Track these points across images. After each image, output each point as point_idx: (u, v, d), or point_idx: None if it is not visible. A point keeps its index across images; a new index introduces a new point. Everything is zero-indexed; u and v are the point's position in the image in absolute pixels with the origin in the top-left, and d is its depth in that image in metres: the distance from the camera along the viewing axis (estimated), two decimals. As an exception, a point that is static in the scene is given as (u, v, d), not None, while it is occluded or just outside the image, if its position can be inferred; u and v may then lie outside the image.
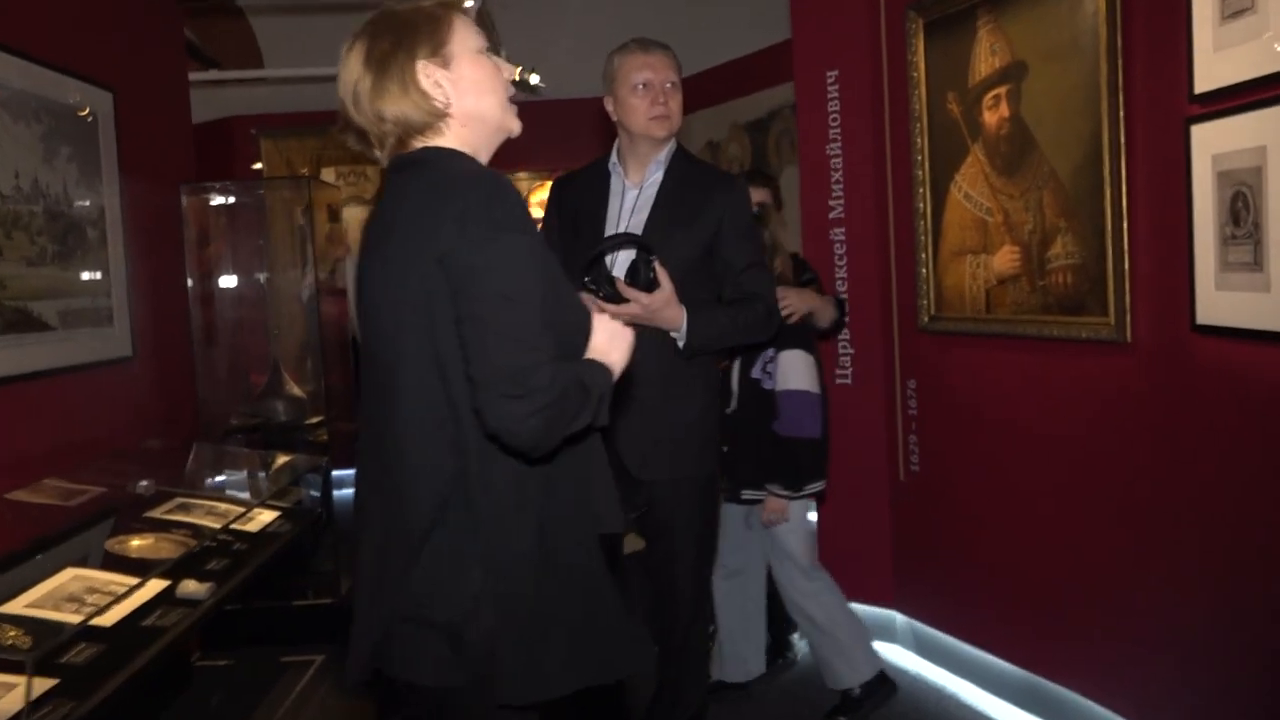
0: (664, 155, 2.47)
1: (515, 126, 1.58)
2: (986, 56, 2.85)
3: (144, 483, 3.30)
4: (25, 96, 2.79)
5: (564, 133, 6.41)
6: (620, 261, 2.33)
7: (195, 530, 2.96)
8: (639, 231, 2.38)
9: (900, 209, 3.30)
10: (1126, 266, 2.46)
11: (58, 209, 2.94)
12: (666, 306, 2.27)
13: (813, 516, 3.14)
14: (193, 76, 5.87)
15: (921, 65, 3.11)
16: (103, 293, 3.20)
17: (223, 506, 3.19)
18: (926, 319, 3.20)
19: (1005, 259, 2.86)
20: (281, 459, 3.78)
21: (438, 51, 1.48)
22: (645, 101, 2.40)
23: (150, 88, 3.64)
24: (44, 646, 1.99)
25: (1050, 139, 2.67)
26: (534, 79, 4.99)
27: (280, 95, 6.15)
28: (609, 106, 2.48)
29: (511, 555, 1.43)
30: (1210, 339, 2.20)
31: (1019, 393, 2.88)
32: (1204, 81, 2.16)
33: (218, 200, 4.42)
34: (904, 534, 3.44)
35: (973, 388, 3.07)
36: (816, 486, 2.94)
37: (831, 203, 3.53)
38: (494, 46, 1.63)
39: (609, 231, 2.43)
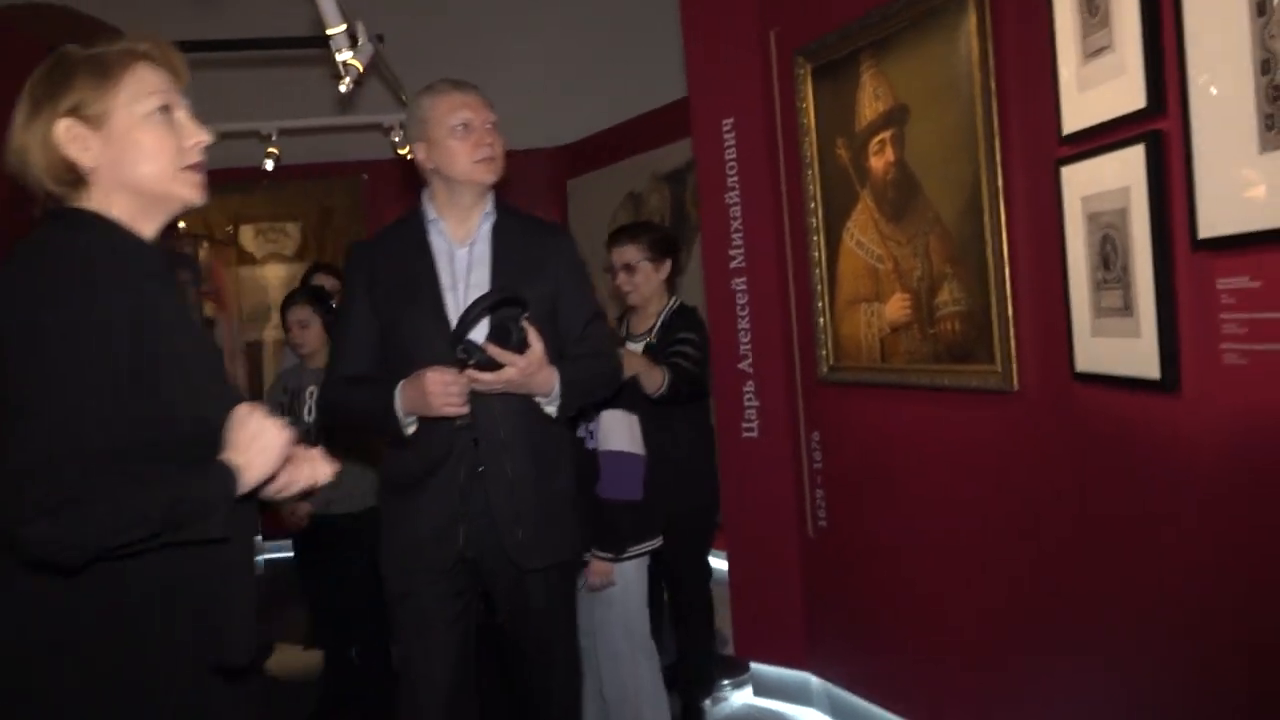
0: (489, 206, 2.27)
1: (188, 196, 1.41)
2: (870, 101, 2.80)
3: None
4: None
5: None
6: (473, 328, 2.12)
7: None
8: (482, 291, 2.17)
9: (798, 258, 3.22)
10: (1010, 313, 2.38)
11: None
12: (541, 368, 2.09)
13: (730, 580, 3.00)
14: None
15: (811, 111, 3.05)
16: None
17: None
18: (826, 369, 3.11)
19: (896, 307, 2.78)
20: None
21: (90, 109, 1.33)
22: (467, 144, 2.18)
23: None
24: None
25: (934, 183, 2.60)
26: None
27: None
28: (420, 154, 2.23)
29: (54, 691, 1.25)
30: (1089, 386, 2.12)
31: (917, 443, 2.78)
32: (1071, 121, 2.10)
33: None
34: (815, 592, 3.32)
35: (874, 439, 2.97)
36: (643, 548, 2.83)
37: (732, 252, 3.45)
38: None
39: (450, 298, 2.20)
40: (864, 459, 3.02)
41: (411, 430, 2.15)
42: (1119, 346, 1.97)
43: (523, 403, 2.15)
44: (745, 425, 3.47)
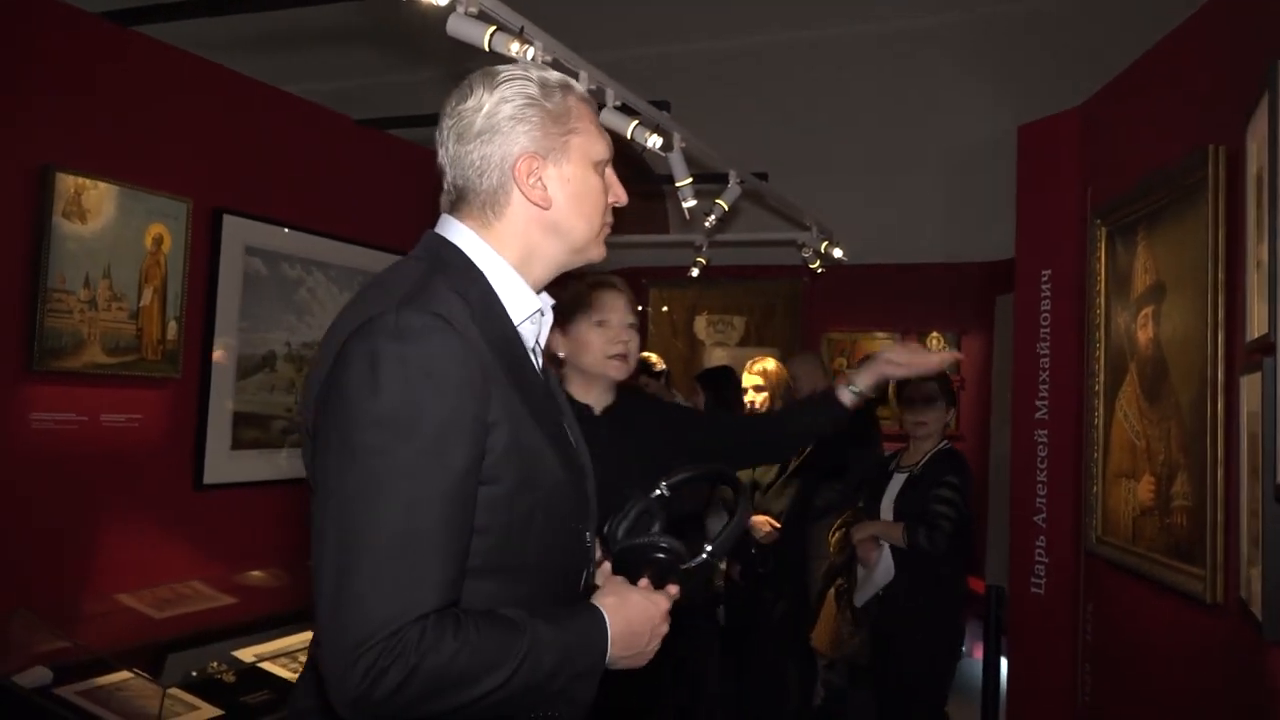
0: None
1: None
2: (1141, 273, 2.70)
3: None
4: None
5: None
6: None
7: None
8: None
9: (1084, 420, 3.12)
10: (1220, 519, 2.20)
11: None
12: None
13: None
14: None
15: (1102, 274, 2.97)
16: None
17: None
18: (1094, 539, 2.97)
19: (1145, 488, 2.63)
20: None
21: None
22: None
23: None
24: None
25: (1178, 368, 2.46)
26: (837, 252, 5.28)
27: (670, 254, 7.00)
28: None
29: None
30: None
31: (1156, 640, 2.59)
32: None
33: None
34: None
35: (1129, 625, 2.79)
36: None
37: (1038, 403, 3.41)
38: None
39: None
40: (1123, 643, 2.84)
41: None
42: None
43: None
44: (1034, 581, 3.38)
